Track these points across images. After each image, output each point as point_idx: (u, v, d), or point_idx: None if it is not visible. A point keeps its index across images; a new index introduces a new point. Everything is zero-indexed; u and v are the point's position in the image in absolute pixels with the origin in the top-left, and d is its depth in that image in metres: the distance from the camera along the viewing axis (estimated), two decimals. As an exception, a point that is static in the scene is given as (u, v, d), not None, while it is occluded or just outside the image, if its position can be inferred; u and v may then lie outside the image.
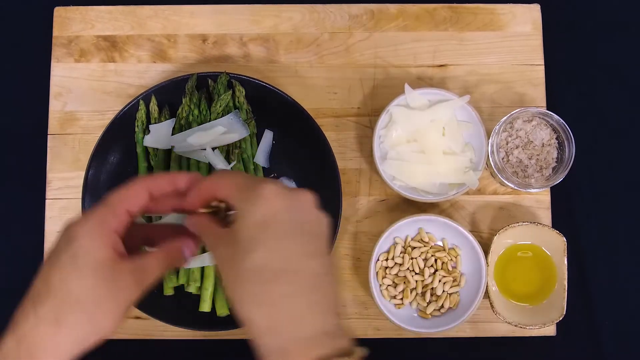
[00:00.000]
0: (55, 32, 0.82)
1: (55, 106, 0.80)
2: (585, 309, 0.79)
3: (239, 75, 0.76)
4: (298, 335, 0.42)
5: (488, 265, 0.73)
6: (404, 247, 0.76)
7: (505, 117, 0.73)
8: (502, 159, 0.75)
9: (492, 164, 0.74)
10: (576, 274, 0.78)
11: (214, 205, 0.49)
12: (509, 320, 0.72)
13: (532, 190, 0.74)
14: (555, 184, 0.73)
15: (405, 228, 0.76)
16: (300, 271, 0.43)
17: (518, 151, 0.74)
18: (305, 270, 0.44)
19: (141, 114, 0.76)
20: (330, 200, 0.74)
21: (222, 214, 0.49)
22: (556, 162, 0.75)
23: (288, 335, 0.42)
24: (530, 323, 0.72)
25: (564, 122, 0.73)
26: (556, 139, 0.75)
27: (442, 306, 0.75)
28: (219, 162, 0.74)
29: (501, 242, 0.75)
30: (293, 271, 0.43)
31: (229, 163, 0.75)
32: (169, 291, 0.74)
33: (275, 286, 0.43)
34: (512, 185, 0.74)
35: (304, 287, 0.43)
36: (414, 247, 0.76)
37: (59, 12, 0.82)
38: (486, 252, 0.74)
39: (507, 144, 0.75)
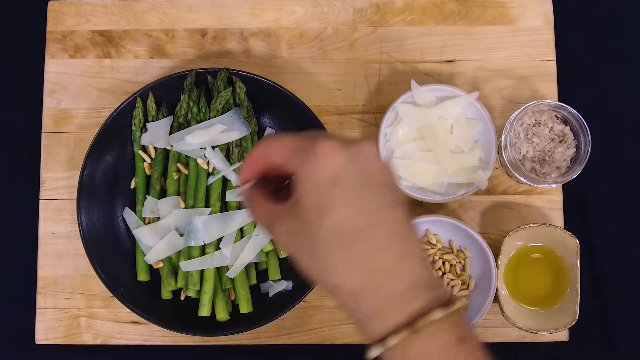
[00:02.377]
0: (49, 26, 0.80)
1: (49, 103, 0.79)
2: (598, 313, 0.78)
3: (240, 71, 0.74)
4: (395, 289, 0.40)
5: (498, 268, 0.72)
6: (410, 249, 0.74)
7: (516, 113, 0.72)
8: (516, 155, 0.73)
9: (506, 160, 0.72)
10: (589, 277, 0.77)
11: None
12: (520, 325, 0.71)
13: (548, 186, 0.73)
14: (571, 179, 0.72)
15: (412, 229, 0.74)
16: (382, 223, 0.41)
17: (532, 146, 0.73)
18: (388, 222, 0.41)
19: (138, 112, 0.74)
20: (334, 201, 0.72)
21: (275, 185, 0.47)
22: (571, 158, 0.74)
23: (384, 291, 0.40)
24: (542, 328, 0.71)
25: (578, 114, 0.72)
26: (572, 132, 0.73)
27: (450, 310, 0.73)
28: (219, 162, 0.72)
29: (512, 244, 0.74)
30: (375, 225, 0.41)
31: (230, 163, 0.73)
32: (167, 295, 0.73)
33: (360, 244, 0.41)
34: (528, 182, 0.73)
35: (391, 239, 0.41)
36: (421, 250, 0.74)
37: (52, 6, 0.81)
38: (496, 255, 0.72)
39: (520, 139, 0.73)
